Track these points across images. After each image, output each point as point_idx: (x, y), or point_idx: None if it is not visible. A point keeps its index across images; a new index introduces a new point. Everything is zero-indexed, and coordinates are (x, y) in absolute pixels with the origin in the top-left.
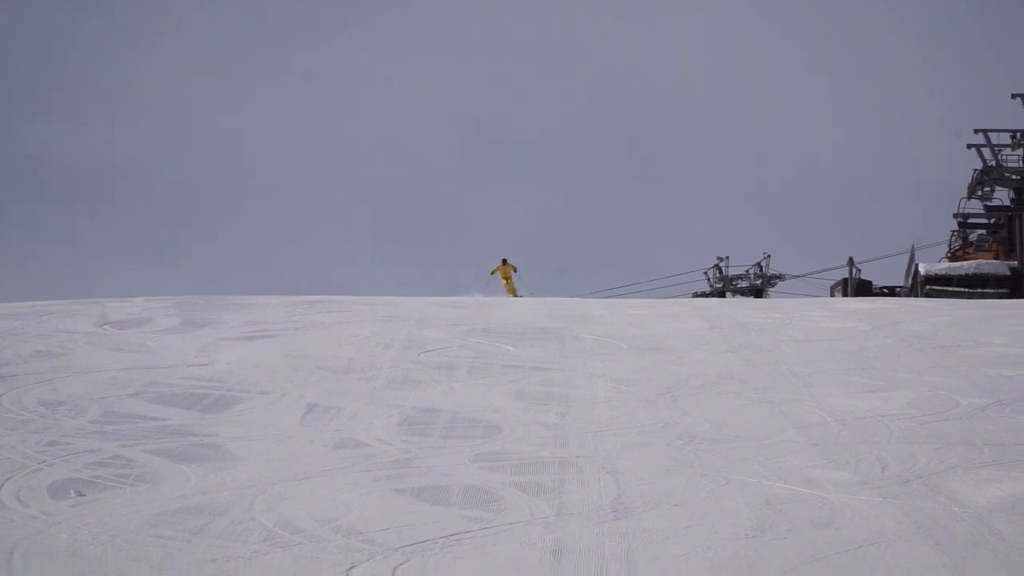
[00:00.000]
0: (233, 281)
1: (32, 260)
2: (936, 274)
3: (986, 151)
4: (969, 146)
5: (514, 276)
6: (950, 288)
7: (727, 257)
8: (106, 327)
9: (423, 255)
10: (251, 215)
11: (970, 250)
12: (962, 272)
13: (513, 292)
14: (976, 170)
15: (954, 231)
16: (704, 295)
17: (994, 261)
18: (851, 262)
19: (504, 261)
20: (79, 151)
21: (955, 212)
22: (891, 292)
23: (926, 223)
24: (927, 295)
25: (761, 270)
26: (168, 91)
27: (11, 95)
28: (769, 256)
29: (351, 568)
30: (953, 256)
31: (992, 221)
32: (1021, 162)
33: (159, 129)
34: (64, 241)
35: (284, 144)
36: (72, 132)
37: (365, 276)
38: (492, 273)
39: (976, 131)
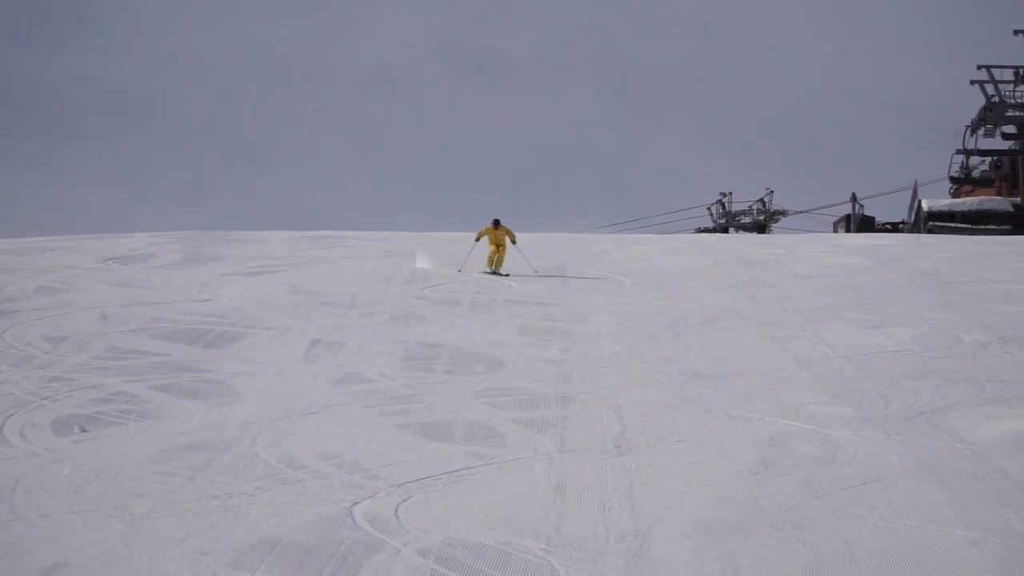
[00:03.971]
0: (233, 216)
1: (31, 195)
2: (939, 210)
3: (989, 87)
4: (972, 82)
5: (510, 248)
6: (953, 224)
7: (730, 193)
8: (109, 262)
9: (414, 187)
10: (245, 147)
11: (973, 187)
12: (965, 208)
13: (496, 264)
14: (965, 126)
15: (956, 173)
16: (707, 231)
17: (997, 198)
18: (854, 198)
19: (496, 223)
20: (72, 80)
21: (958, 148)
22: (894, 228)
23: (929, 159)
24: (930, 231)
25: (764, 206)
26: (156, 17)
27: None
28: (772, 192)
29: (354, 504)
30: (956, 192)
31: (994, 159)
32: None
33: (152, 58)
34: (63, 175)
35: (271, 72)
36: (66, 61)
37: (358, 208)
38: (478, 238)
39: (979, 67)
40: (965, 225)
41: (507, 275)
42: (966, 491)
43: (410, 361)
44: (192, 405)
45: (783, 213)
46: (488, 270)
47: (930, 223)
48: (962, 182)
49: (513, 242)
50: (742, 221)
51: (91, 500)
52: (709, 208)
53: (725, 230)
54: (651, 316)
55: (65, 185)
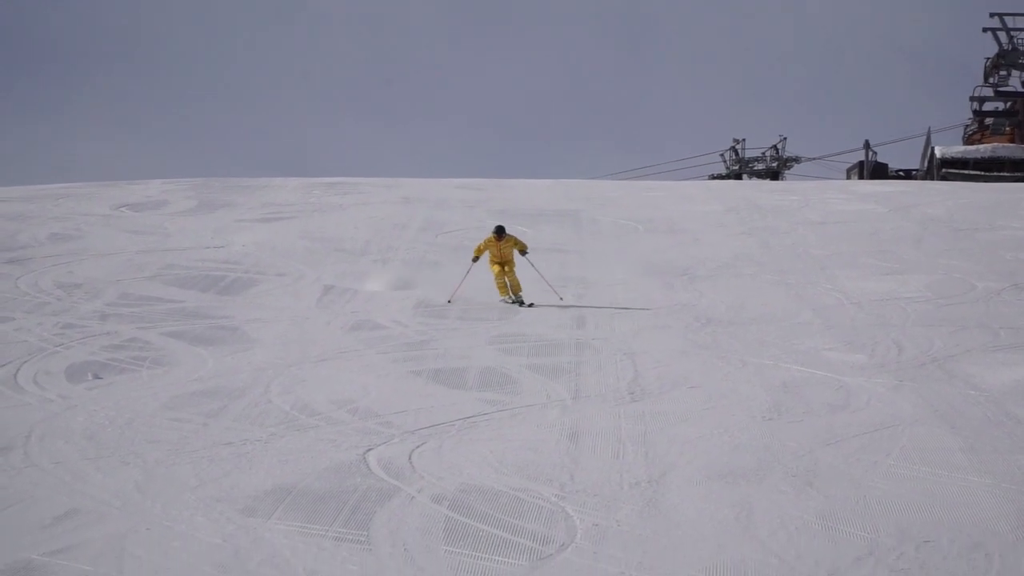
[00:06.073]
0: (241, 163)
1: (44, 142)
2: (952, 157)
3: (1002, 35)
4: (985, 30)
5: (518, 259)
6: (966, 171)
7: (743, 139)
8: (123, 209)
9: (422, 134)
10: (250, 93)
11: (986, 134)
12: (978, 155)
13: (512, 289)
14: (986, 59)
15: (971, 117)
16: (720, 177)
17: (1010, 145)
18: (867, 145)
19: (499, 232)
20: (80, 26)
21: (971, 96)
22: (907, 175)
23: (943, 106)
24: (943, 178)
25: (777, 152)
26: None
27: None
28: (785, 138)
29: (368, 451)
30: (969, 139)
31: (1008, 105)
32: None
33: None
34: (77, 122)
35: (278, 13)
36: (73, 5)
37: (367, 155)
38: (476, 257)
39: (992, 15)
40: (978, 172)
41: (531, 304)
42: (979, 438)
43: (423, 308)
44: (206, 352)
45: (796, 160)
46: (507, 299)
47: (943, 170)
48: (983, 115)
49: (523, 253)
50: (755, 168)
51: (105, 447)
52: (722, 155)
53: (738, 177)
54: (664, 263)
55: (72, 132)
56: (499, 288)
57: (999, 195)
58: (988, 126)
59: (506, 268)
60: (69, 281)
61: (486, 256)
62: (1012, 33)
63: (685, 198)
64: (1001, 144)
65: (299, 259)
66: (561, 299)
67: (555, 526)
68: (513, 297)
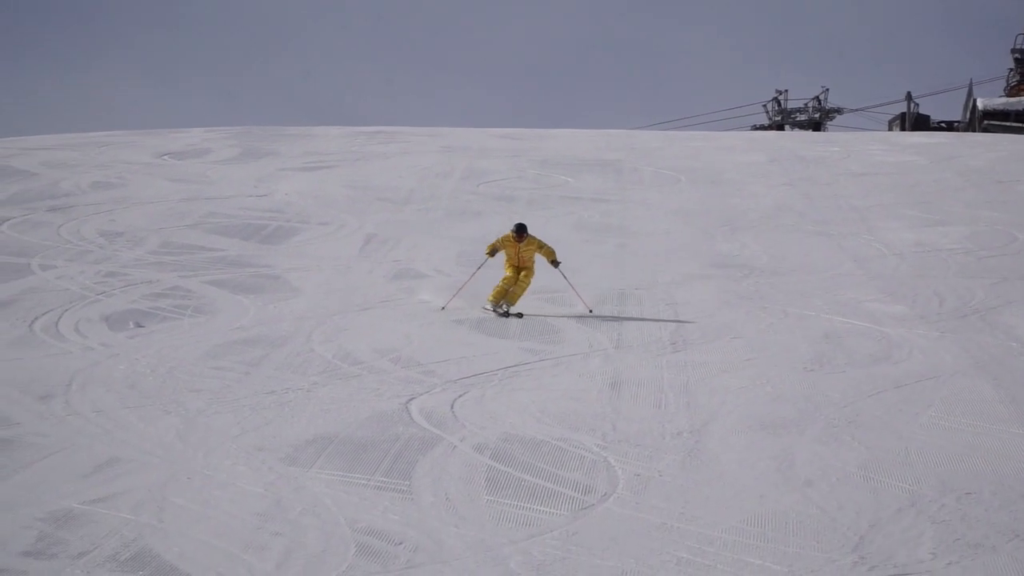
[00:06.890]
0: (289, 111)
1: (87, 90)
2: (994, 109)
3: None
4: None
5: (540, 263)
6: (1008, 123)
7: (786, 90)
8: (165, 158)
9: (460, 84)
10: (296, 43)
11: None
12: (1020, 107)
13: (509, 297)
14: None
15: (1012, 68)
16: (763, 128)
17: None
18: (909, 96)
19: (520, 232)
20: None
21: (1012, 47)
22: (949, 127)
23: (985, 58)
24: (985, 130)
25: (819, 103)
26: None
27: None
28: (827, 89)
29: (410, 400)
30: (1011, 91)
31: None
32: None
33: None
34: (119, 70)
35: None
36: None
37: (402, 106)
38: (491, 252)
39: None
40: (1020, 124)
41: (520, 314)
42: (1020, 389)
43: (466, 257)
44: (247, 300)
45: (838, 111)
46: (490, 307)
47: (985, 122)
48: None
49: (555, 263)
50: (797, 119)
51: (146, 395)
52: (765, 106)
53: (780, 128)
54: (706, 213)
55: (114, 81)
56: (494, 293)
57: None
58: None
59: (521, 275)
60: (111, 229)
61: (502, 255)
62: None
63: (727, 149)
64: None
65: (341, 208)
66: (591, 311)
67: (597, 476)
68: (505, 307)
